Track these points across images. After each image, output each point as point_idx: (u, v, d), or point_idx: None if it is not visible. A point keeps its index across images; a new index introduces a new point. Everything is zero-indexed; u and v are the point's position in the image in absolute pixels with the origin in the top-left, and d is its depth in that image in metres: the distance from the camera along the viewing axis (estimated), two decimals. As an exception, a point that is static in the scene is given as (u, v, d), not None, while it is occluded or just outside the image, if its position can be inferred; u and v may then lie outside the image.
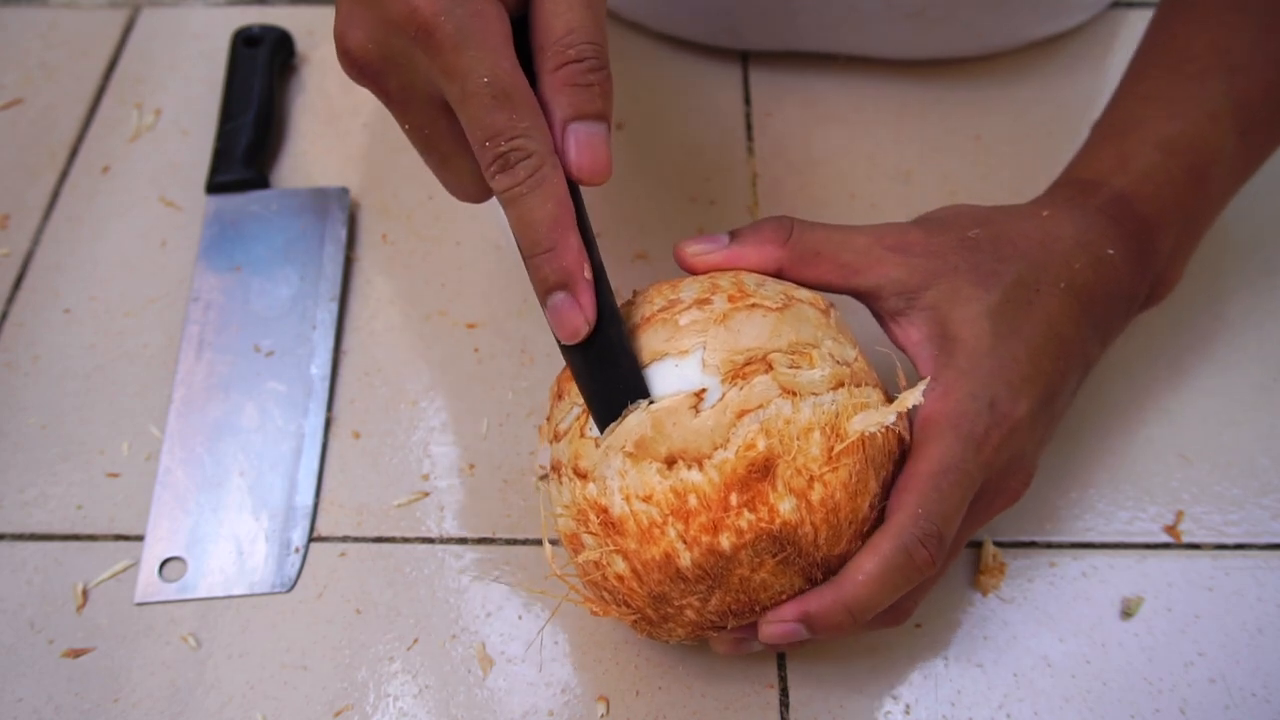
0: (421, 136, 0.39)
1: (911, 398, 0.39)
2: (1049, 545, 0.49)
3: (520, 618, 0.47)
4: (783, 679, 0.46)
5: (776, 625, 0.39)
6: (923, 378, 0.41)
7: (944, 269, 0.43)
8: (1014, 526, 0.50)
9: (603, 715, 0.45)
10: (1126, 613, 0.47)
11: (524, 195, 0.36)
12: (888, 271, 0.43)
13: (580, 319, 0.38)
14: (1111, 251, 0.44)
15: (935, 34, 0.64)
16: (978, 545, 0.49)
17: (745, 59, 0.68)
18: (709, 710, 0.45)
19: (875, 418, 0.39)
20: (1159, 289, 0.48)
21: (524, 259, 0.38)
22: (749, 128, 0.65)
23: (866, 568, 0.38)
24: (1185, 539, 0.49)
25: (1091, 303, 0.44)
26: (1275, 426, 0.53)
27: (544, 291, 0.38)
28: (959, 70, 0.66)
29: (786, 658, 0.46)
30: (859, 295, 0.44)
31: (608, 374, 0.39)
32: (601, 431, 0.39)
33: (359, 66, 0.38)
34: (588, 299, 0.38)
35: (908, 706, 0.45)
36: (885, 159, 0.63)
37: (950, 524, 0.39)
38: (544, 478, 0.50)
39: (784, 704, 0.45)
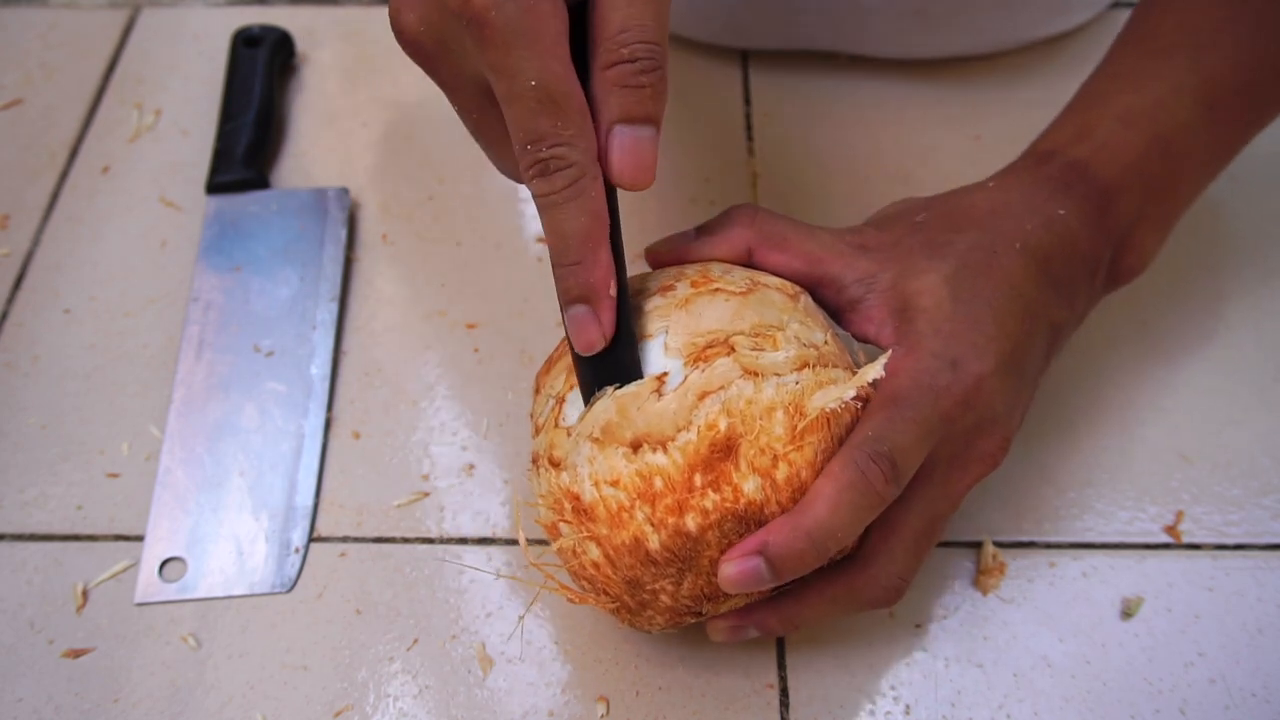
0: (471, 119, 0.38)
1: (873, 371, 0.40)
2: (1049, 545, 0.49)
3: (520, 617, 0.47)
4: (783, 678, 0.46)
5: (736, 563, 0.38)
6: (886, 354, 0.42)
7: (899, 254, 0.43)
8: (1014, 526, 0.50)
9: (603, 715, 0.45)
10: (1126, 613, 0.47)
11: (559, 205, 0.36)
12: (851, 262, 0.43)
13: (598, 334, 0.38)
14: (1063, 212, 0.44)
15: (936, 33, 0.64)
16: (978, 545, 0.49)
17: (745, 59, 0.68)
18: (709, 710, 0.45)
19: (835, 393, 0.39)
20: (1127, 258, 0.47)
21: (552, 265, 0.37)
22: (749, 128, 0.65)
23: (821, 489, 0.38)
24: (1185, 539, 0.49)
25: (1049, 262, 0.44)
26: (1275, 426, 0.53)
27: (566, 301, 0.38)
28: (959, 70, 0.66)
29: (786, 656, 0.46)
30: (820, 284, 0.44)
31: (609, 366, 0.39)
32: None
33: (412, 46, 0.37)
34: (609, 316, 0.38)
35: (908, 706, 0.45)
36: (885, 159, 0.63)
37: (904, 453, 0.38)
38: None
39: (784, 704, 0.45)
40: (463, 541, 0.50)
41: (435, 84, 0.38)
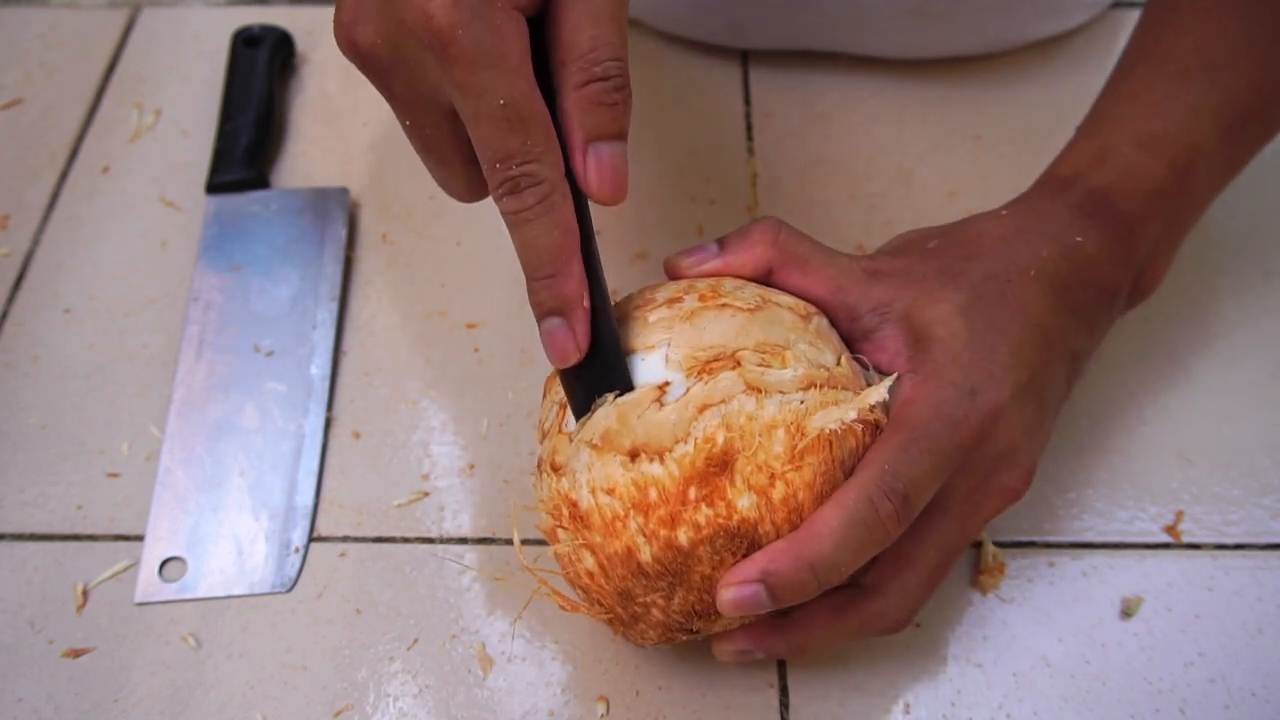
0: (422, 136, 0.38)
1: (875, 393, 0.39)
2: (1049, 545, 0.49)
3: (520, 617, 0.47)
4: (783, 679, 0.46)
5: (735, 589, 0.37)
6: (900, 381, 0.41)
7: (912, 280, 0.43)
8: (1014, 526, 0.50)
9: (603, 715, 0.45)
10: (1126, 613, 0.47)
11: (531, 221, 0.36)
12: (866, 290, 0.43)
13: (573, 346, 0.38)
14: (1080, 239, 0.44)
15: (936, 33, 0.64)
16: (978, 545, 0.49)
17: (745, 59, 0.68)
18: (709, 710, 0.45)
19: (836, 414, 0.38)
20: (1143, 283, 0.47)
21: (526, 280, 0.38)
22: (749, 128, 0.65)
23: (828, 520, 0.37)
24: (1185, 539, 0.49)
25: (1066, 290, 0.43)
26: (1275, 426, 0.53)
27: (540, 315, 0.38)
28: (959, 70, 0.66)
29: (787, 663, 0.46)
30: (837, 312, 0.43)
31: (585, 369, 0.39)
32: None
33: (365, 61, 0.37)
34: (582, 328, 0.38)
35: (907, 706, 0.45)
36: (885, 159, 0.63)
37: (917, 488, 0.38)
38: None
39: (784, 704, 0.45)
40: (463, 541, 0.50)
41: (385, 99, 0.38)
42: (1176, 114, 0.46)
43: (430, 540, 0.50)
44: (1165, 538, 0.49)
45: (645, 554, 0.38)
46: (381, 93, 0.38)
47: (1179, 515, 0.50)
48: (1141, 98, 0.47)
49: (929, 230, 0.46)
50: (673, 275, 0.44)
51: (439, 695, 0.46)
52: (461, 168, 0.39)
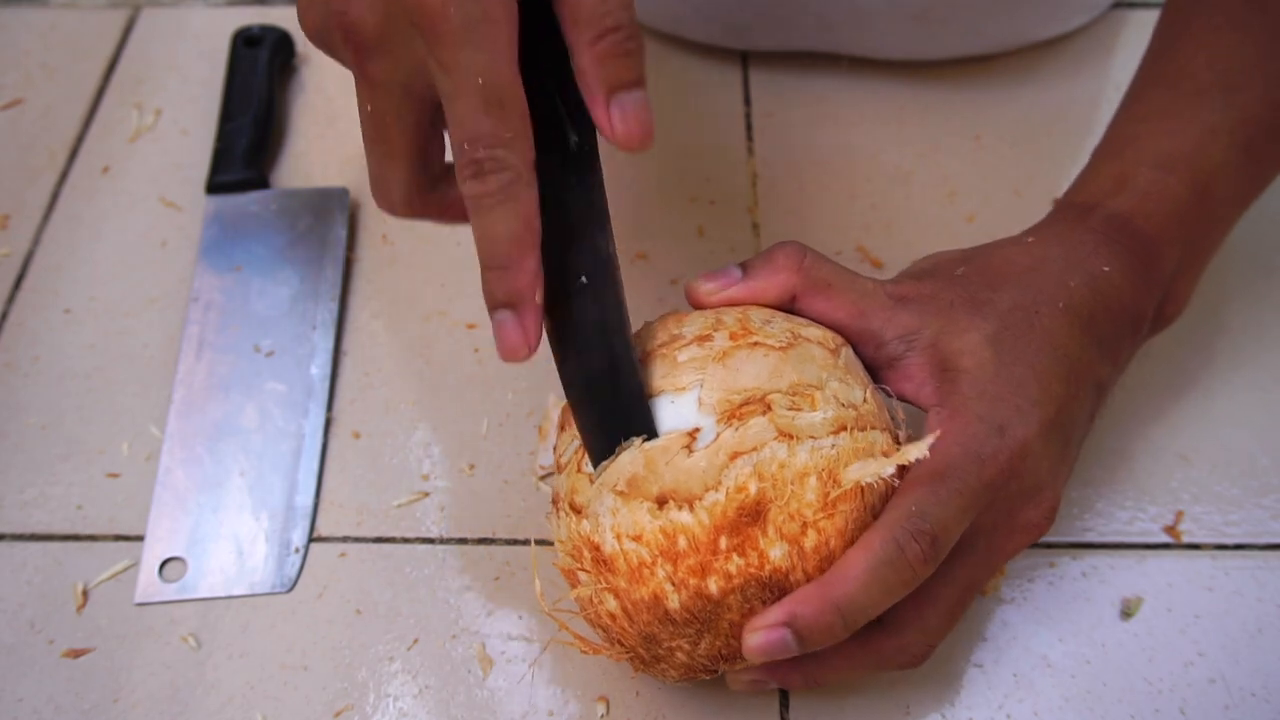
0: (380, 124, 0.38)
1: (915, 451, 0.37)
2: (1049, 545, 0.49)
3: (520, 618, 0.47)
4: (783, 679, 0.46)
5: (762, 634, 0.37)
6: (927, 416, 0.40)
7: (938, 308, 0.42)
8: (1014, 526, 0.50)
9: (603, 715, 0.45)
10: (1126, 613, 0.47)
11: (490, 208, 0.36)
12: (891, 317, 0.42)
13: (521, 340, 0.37)
14: (1107, 268, 0.43)
15: (937, 35, 0.64)
16: (978, 545, 0.49)
17: (745, 59, 0.68)
18: (709, 710, 0.45)
19: (873, 468, 0.37)
20: (1167, 308, 0.47)
21: (481, 269, 0.37)
22: (749, 128, 0.65)
23: (856, 563, 0.36)
24: (1185, 539, 0.49)
25: (1093, 321, 0.43)
26: (1275, 426, 0.53)
27: (491, 306, 0.37)
28: (959, 70, 0.66)
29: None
30: (860, 339, 0.42)
31: (605, 411, 0.38)
32: (595, 467, 0.39)
33: (349, 36, 0.36)
34: (532, 322, 0.37)
35: (908, 706, 0.45)
36: (885, 159, 0.63)
37: (946, 529, 0.37)
38: (544, 478, 0.50)
39: (784, 704, 0.45)
40: (463, 541, 0.50)
41: (356, 79, 0.37)
42: (1193, 134, 0.46)
43: (430, 540, 0.50)
44: (1165, 538, 0.49)
45: (673, 601, 0.37)
46: (355, 71, 0.37)
47: (1179, 515, 0.50)
48: (1157, 119, 0.47)
49: (954, 255, 0.45)
50: (694, 302, 0.43)
51: (439, 695, 0.46)
52: (405, 167, 0.38)
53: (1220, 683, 0.45)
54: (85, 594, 0.48)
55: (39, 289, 0.59)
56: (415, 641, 0.47)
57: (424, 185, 0.39)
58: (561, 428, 0.42)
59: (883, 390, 0.42)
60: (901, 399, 0.42)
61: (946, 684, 0.46)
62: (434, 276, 0.59)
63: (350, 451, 0.53)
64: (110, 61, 0.69)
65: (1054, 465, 0.41)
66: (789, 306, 0.42)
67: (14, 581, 0.49)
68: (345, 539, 0.50)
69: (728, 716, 0.45)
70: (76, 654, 0.47)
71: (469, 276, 0.59)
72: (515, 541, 0.50)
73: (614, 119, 0.36)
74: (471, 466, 0.52)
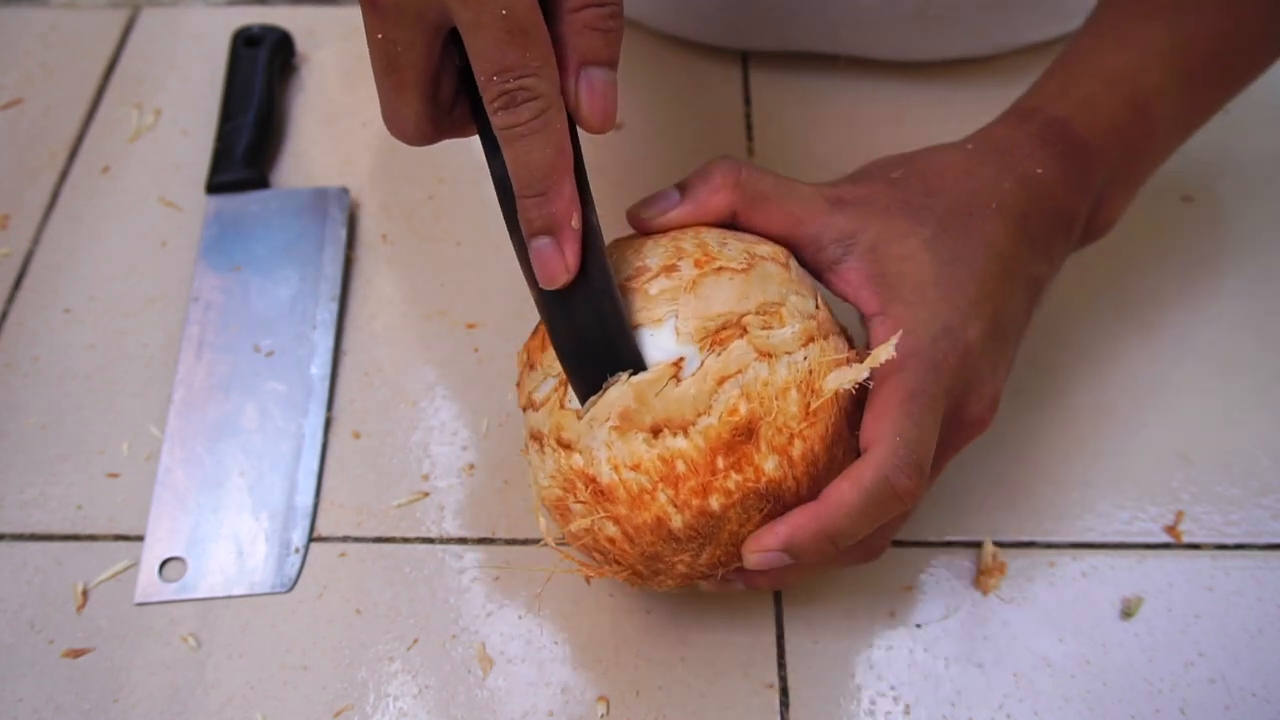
0: (392, 53, 0.37)
1: (884, 353, 0.39)
2: (1049, 545, 0.49)
3: (520, 617, 0.47)
4: (783, 679, 0.46)
5: (760, 554, 0.39)
6: (868, 319, 0.42)
7: (875, 211, 0.43)
8: (1014, 526, 0.50)
9: (603, 715, 0.45)
10: (1126, 613, 0.47)
11: (525, 136, 0.36)
12: (828, 221, 0.43)
13: (561, 266, 0.37)
14: (1040, 170, 0.44)
15: (935, 35, 0.64)
16: (978, 545, 0.49)
17: (745, 59, 0.68)
18: (709, 710, 0.45)
19: (850, 375, 0.39)
20: (1100, 215, 0.47)
21: (516, 198, 0.37)
22: (749, 128, 0.65)
23: (849, 498, 0.38)
24: (1185, 539, 0.49)
25: (1026, 219, 0.44)
26: (1275, 426, 0.53)
27: (530, 234, 0.37)
28: (959, 71, 0.66)
29: (786, 655, 0.46)
30: (799, 245, 0.43)
31: (592, 348, 0.39)
32: (582, 403, 0.39)
33: None
34: (572, 248, 0.37)
35: (907, 706, 0.45)
36: (885, 159, 0.63)
37: (927, 450, 0.39)
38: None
39: (784, 704, 0.45)
40: (463, 541, 0.50)
41: (365, 7, 0.37)
42: (1135, 54, 0.47)
43: (430, 540, 0.50)
44: (1165, 538, 0.49)
45: (677, 522, 0.39)
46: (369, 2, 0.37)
47: (1179, 515, 0.50)
48: (1106, 36, 0.48)
49: (893, 158, 0.46)
50: (636, 226, 0.43)
51: (439, 695, 0.46)
52: (417, 98, 0.38)
53: (1220, 683, 0.45)
54: (85, 594, 0.48)
55: (39, 289, 0.59)
56: (415, 641, 0.47)
57: (435, 115, 0.39)
58: (532, 366, 0.43)
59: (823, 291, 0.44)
60: (842, 299, 0.43)
61: (946, 684, 0.46)
62: (434, 276, 0.59)
63: (350, 451, 0.53)
64: (110, 61, 0.69)
65: (994, 361, 0.42)
66: (730, 222, 0.43)
67: (14, 581, 0.49)
68: (345, 539, 0.50)
69: (728, 716, 0.45)
70: (76, 654, 0.47)
71: (469, 276, 0.59)
72: (515, 541, 0.50)
73: (581, 91, 0.37)
74: (471, 466, 0.52)
